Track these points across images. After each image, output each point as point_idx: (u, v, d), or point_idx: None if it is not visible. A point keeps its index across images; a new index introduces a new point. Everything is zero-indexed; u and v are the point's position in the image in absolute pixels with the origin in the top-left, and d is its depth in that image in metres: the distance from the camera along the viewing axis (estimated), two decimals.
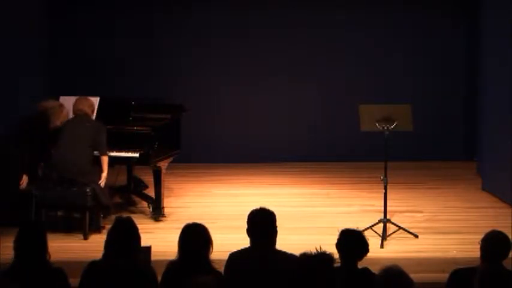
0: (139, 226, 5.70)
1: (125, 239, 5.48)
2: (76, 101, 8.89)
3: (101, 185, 8.68)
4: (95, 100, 9.18)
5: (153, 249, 6.52)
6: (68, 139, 8.66)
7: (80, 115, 8.81)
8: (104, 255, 5.51)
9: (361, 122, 8.57)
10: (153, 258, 6.45)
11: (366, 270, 5.59)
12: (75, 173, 8.55)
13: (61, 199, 8.58)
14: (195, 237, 5.52)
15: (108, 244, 5.51)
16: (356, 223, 6.89)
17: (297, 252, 5.28)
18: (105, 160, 8.74)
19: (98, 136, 8.70)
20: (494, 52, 10.16)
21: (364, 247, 5.65)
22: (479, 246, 5.73)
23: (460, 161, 11.75)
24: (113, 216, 6.63)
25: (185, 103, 9.76)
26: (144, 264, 5.53)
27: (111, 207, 8.81)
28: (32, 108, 9.08)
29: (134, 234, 5.51)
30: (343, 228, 5.73)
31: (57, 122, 8.93)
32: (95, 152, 8.76)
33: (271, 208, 5.85)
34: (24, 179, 8.70)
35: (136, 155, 8.99)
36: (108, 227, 5.69)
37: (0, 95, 9.12)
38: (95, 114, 9.01)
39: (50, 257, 5.57)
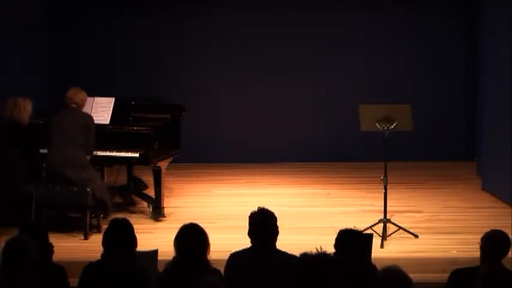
0: (139, 226, 5.71)
1: (120, 239, 5.49)
2: (71, 90, 8.84)
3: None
4: (110, 100, 9.21)
5: None
6: (58, 138, 8.60)
7: (71, 107, 8.74)
8: (101, 256, 5.53)
9: (361, 122, 8.57)
10: None
11: (368, 270, 5.59)
12: (73, 172, 8.53)
13: (61, 199, 8.57)
14: (193, 237, 5.52)
15: (103, 245, 5.52)
16: (356, 223, 6.89)
17: (297, 252, 5.28)
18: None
19: (86, 134, 8.66)
20: (494, 52, 10.17)
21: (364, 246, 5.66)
22: (479, 246, 5.73)
23: (460, 161, 11.75)
24: (113, 216, 6.65)
25: (185, 103, 9.76)
26: (140, 266, 5.53)
27: (109, 206, 8.80)
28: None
29: (129, 234, 5.51)
30: (341, 228, 5.73)
31: (26, 117, 8.88)
32: None
33: (271, 208, 5.85)
34: None
35: (136, 155, 9.00)
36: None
37: (0, 95, 9.11)
38: (84, 101, 8.90)
39: (54, 252, 5.63)
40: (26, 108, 8.85)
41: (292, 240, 7.25)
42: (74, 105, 8.80)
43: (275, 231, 5.76)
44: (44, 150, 8.82)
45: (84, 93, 8.91)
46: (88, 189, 8.52)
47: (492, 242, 5.69)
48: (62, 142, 8.58)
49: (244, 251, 5.78)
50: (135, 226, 5.61)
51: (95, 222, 8.71)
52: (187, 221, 5.68)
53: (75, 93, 8.84)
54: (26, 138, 8.79)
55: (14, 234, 5.65)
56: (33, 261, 5.32)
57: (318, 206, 9.73)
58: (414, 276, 4.87)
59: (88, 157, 8.77)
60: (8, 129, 8.73)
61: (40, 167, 8.77)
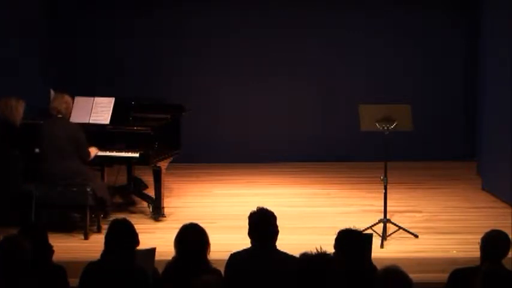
0: (139, 226, 5.71)
1: (121, 240, 5.49)
2: (53, 99, 8.76)
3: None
4: (110, 100, 9.19)
5: None
6: (50, 150, 8.56)
7: (55, 117, 8.67)
8: (101, 255, 5.53)
9: (361, 122, 8.57)
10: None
11: (368, 270, 5.59)
12: (69, 180, 8.53)
13: (61, 199, 8.57)
14: (193, 237, 5.53)
15: (105, 245, 5.53)
16: (356, 223, 6.88)
17: (297, 252, 5.28)
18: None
19: (78, 147, 8.60)
20: (494, 52, 10.17)
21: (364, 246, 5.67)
22: (479, 246, 5.74)
23: (460, 161, 11.75)
24: (113, 216, 6.66)
25: (185, 103, 9.75)
26: (140, 265, 5.54)
27: (109, 206, 8.81)
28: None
29: (130, 235, 5.52)
30: (341, 228, 5.73)
31: (18, 118, 8.86)
32: None
33: (271, 208, 5.86)
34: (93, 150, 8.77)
35: (136, 155, 8.99)
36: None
37: (1, 95, 9.11)
38: (71, 112, 8.84)
39: (53, 253, 5.68)
40: (17, 109, 8.82)
41: (292, 240, 7.25)
42: (60, 115, 8.70)
43: (275, 231, 5.76)
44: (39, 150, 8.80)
45: (66, 99, 8.75)
46: (88, 189, 8.51)
47: (492, 242, 5.70)
48: (55, 156, 8.52)
49: (244, 251, 5.78)
50: (135, 226, 5.62)
51: (95, 222, 8.71)
52: (187, 221, 5.70)
53: (59, 103, 8.68)
54: (20, 139, 8.77)
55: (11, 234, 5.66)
56: (29, 261, 5.30)
57: (318, 206, 9.73)
58: (414, 276, 4.88)
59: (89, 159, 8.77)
60: (3, 129, 8.73)
61: (38, 167, 8.74)
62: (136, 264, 5.51)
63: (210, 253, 5.56)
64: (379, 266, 5.25)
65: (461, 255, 7.81)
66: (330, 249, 5.29)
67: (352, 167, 11.44)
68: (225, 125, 11.96)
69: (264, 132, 11.92)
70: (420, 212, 9.46)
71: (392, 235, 8.41)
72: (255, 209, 5.83)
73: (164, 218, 9.17)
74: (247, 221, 5.80)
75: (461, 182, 10.79)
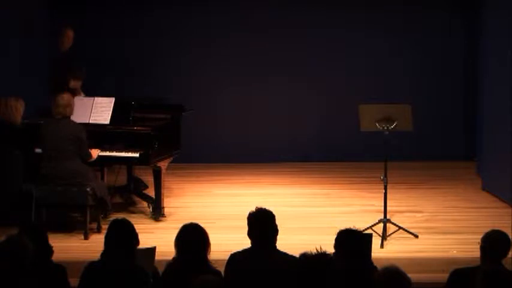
0: (139, 226, 5.72)
1: (120, 240, 5.50)
2: (59, 103, 8.68)
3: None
4: (110, 100, 9.18)
5: None
6: (51, 150, 8.57)
7: (57, 118, 8.66)
8: (101, 255, 5.54)
9: (361, 122, 8.58)
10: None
11: (368, 269, 5.59)
12: (69, 180, 8.53)
13: (61, 199, 8.57)
14: (194, 237, 5.53)
15: (105, 245, 5.54)
16: (356, 223, 6.89)
17: (297, 252, 5.28)
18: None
19: (80, 148, 8.60)
20: (494, 52, 10.17)
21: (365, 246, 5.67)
22: (479, 246, 5.74)
23: (460, 161, 11.75)
24: (113, 216, 6.66)
25: (185, 103, 9.76)
26: (141, 265, 5.54)
27: (109, 206, 8.82)
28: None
29: (130, 235, 5.52)
30: (341, 228, 5.73)
31: (18, 118, 8.86)
32: None
33: (271, 208, 5.86)
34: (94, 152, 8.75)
35: (137, 155, 8.99)
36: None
37: (1, 95, 9.11)
38: (73, 110, 8.81)
39: (53, 253, 5.69)
40: (18, 109, 8.82)
41: (292, 240, 7.26)
42: (62, 115, 8.66)
43: (274, 231, 5.76)
44: (40, 150, 8.80)
45: (68, 100, 8.70)
46: (88, 189, 8.52)
47: (492, 242, 5.70)
48: (56, 156, 8.53)
49: (244, 251, 5.79)
50: (135, 226, 5.62)
51: (95, 222, 8.71)
52: (187, 221, 5.69)
53: (64, 107, 8.63)
54: (20, 139, 8.77)
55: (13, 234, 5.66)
56: (29, 261, 5.30)
57: (318, 206, 9.73)
58: (414, 276, 4.88)
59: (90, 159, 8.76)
60: (3, 129, 8.72)
61: (38, 167, 8.74)
62: (137, 264, 5.51)
63: (210, 253, 5.56)
64: (379, 266, 5.26)
65: (461, 255, 7.82)
66: (330, 249, 5.29)
67: (352, 167, 11.44)
68: (225, 125, 11.96)
69: (264, 132, 11.92)
70: (420, 212, 9.46)
71: (392, 235, 8.41)
72: (254, 209, 5.83)
73: (164, 218, 9.17)
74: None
75: (461, 182, 10.79)
